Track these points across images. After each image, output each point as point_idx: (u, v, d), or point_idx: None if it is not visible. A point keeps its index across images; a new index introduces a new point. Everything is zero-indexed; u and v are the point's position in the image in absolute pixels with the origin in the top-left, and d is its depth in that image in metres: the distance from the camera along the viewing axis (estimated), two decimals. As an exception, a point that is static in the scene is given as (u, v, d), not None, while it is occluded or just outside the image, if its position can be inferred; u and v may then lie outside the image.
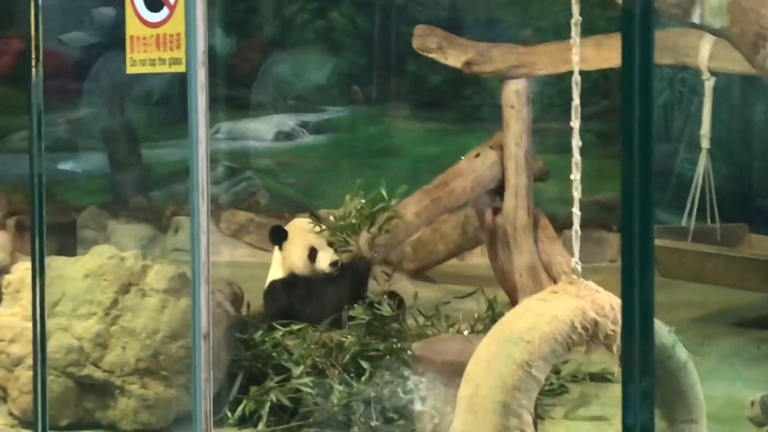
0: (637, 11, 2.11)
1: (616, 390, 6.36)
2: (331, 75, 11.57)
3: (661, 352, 3.70)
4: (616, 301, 3.64)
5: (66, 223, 10.43)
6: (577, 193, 3.75)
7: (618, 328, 3.55)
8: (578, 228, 3.75)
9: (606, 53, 7.43)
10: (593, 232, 10.02)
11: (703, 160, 7.30)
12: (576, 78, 3.68)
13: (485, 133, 10.12)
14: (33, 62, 4.15)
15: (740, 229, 7.87)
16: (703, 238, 7.42)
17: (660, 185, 10.05)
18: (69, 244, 9.87)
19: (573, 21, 3.57)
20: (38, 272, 4.15)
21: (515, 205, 7.96)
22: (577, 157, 3.73)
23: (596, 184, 10.90)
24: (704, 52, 7.15)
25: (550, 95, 10.46)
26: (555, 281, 8.02)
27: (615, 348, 3.56)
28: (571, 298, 3.61)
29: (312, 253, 6.54)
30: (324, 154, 11.55)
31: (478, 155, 8.07)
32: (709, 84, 7.22)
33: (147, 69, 3.94)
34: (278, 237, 6.71)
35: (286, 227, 6.76)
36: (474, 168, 8.00)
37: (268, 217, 10.59)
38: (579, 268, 3.71)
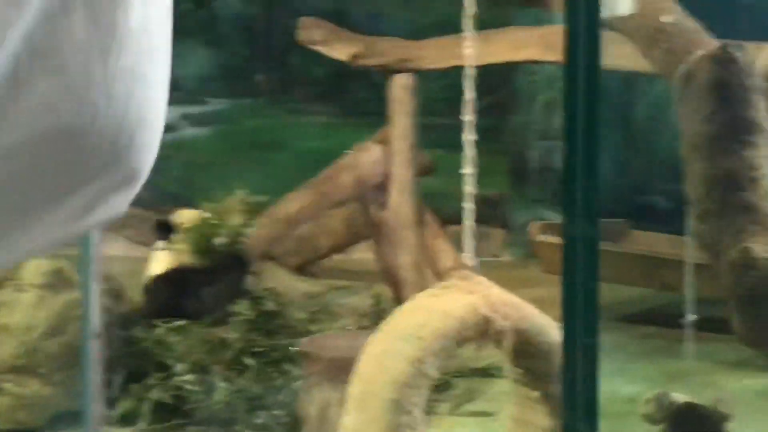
0: (582, 7, 2.04)
1: (500, 385, 6.36)
2: (213, 66, 11.41)
3: (548, 349, 3.69)
4: (508, 297, 3.62)
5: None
6: (469, 188, 3.71)
7: (509, 324, 3.53)
8: (472, 223, 3.71)
9: (493, 48, 7.44)
10: (477, 228, 10.03)
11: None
12: (469, 72, 3.65)
13: (370, 128, 10.08)
14: None
15: (622, 226, 7.95)
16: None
17: (542, 181, 10.12)
18: None
19: (467, 14, 3.53)
20: None
21: (400, 200, 7.92)
22: (469, 151, 3.69)
23: (480, 180, 10.97)
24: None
25: (435, 90, 10.46)
26: (440, 277, 8.01)
27: (506, 344, 3.53)
28: (462, 294, 3.58)
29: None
30: (206, 146, 11.38)
31: (363, 149, 8.02)
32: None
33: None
34: (164, 231, 6.56)
35: (175, 220, 6.61)
36: (360, 162, 7.94)
37: (147, 211, 10.39)
38: (471, 263, 3.68)
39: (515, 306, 3.57)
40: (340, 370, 4.96)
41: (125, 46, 0.84)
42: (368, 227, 8.27)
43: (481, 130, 10.97)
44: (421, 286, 7.89)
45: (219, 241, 6.37)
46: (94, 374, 2.55)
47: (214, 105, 11.45)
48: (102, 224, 0.94)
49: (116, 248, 10.27)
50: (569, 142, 2.07)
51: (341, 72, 10.86)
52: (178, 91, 11.53)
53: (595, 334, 2.12)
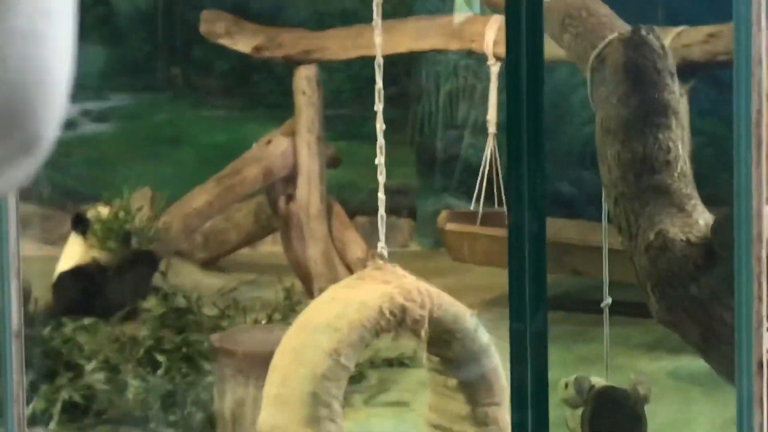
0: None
1: (414, 375, 6.39)
2: (114, 61, 11.26)
3: (463, 336, 3.69)
4: (423, 286, 3.61)
5: None
6: (381, 177, 3.71)
7: (425, 313, 3.53)
8: (384, 213, 3.71)
9: (397, 38, 7.45)
10: (386, 218, 10.04)
11: (489, 145, 7.38)
12: (378, 60, 3.65)
13: (274, 120, 10.04)
14: None
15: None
16: (492, 222, 7.51)
17: (448, 171, 10.16)
18: None
19: (375, 2, 3.52)
20: None
21: (308, 192, 7.91)
22: (381, 140, 3.69)
23: (387, 171, 10.98)
24: (489, 38, 7.23)
25: (339, 81, 10.44)
26: (349, 268, 8.01)
27: (423, 333, 3.53)
28: (378, 284, 3.57)
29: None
30: (108, 143, 11.23)
31: (269, 142, 7.98)
32: (494, 69, 7.30)
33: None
34: (82, 225, 6.47)
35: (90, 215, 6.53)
36: (266, 155, 7.91)
37: (52, 209, 10.24)
38: (386, 252, 3.67)
39: (430, 294, 3.56)
40: (255, 364, 4.93)
41: (16, 5, 0.78)
42: (276, 220, 8.24)
43: (387, 120, 10.98)
44: (332, 278, 7.88)
45: (126, 237, 6.30)
46: (16, 374, 2.49)
47: (116, 101, 11.30)
48: (3, 193, 0.89)
49: (21, 247, 10.11)
50: (514, 135, 2.06)
51: (244, 65, 10.79)
52: (78, 88, 11.38)
53: (545, 322, 2.15)
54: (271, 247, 9.83)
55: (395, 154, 10.72)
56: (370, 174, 11.16)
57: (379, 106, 3.66)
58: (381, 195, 3.72)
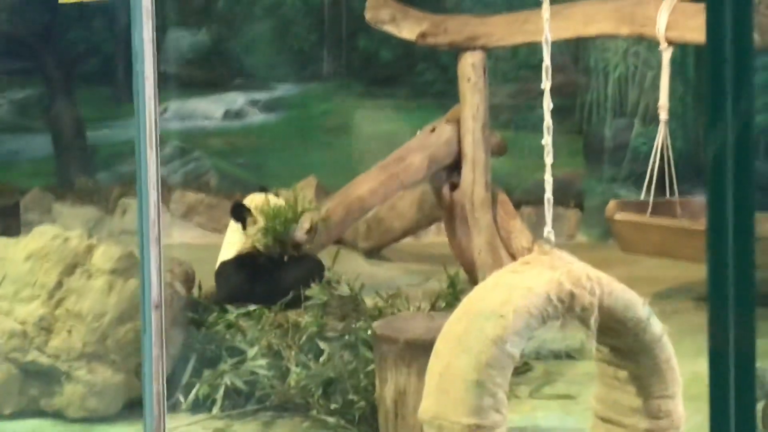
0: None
1: (581, 367, 6.20)
2: (280, 52, 11.31)
3: (635, 326, 3.52)
4: (593, 272, 3.45)
5: (9, 206, 10.12)
6: (549, 159, 3.56)
7: (595, 300, 3.37)
8: (550, 195, 3.55)
9: (564, 23, 7.25)
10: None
11: (661, 133, 7.12)
12: (546, 35, 3.50)
13: (438, 109, 9.93)
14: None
15: (700, 202, 7.71)
16: (663, 212, 7.25)
17: (616, 160, 9.90)
18: (12, 227, 9.58)
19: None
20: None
21: (473, 180, 7.76)
22: (548, 120, 3.54)
23: (554, 160, 10.76)
24: (662, 22, 6.97)
25: (504, 70, 10.27)
26: (515, 258, 7.84)
27: (592, 321, 3.37)
28: (545, 270, 3.42)
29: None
30: (274, 132, 11.29)
31: (434, 130, 7.86)
32: (666, 55, 7.03)
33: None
34: (241, 214, 6.44)
35: (248, 203, 6.51)
36: (430, 143, 7.79)
37: (218, 198, 10.34)
38: (552, 237, 3.52)
39: (600, 281, 3.40)
40: (417, 352, 4.83)
41: None
42: (440, 209, 8.12)
43: (554, 109, 10.74)
44: (496, 268, 7.71)
45: (293, 228, 6.25)
46: (156, 347, 2.42)
47: (282, 90, 11.35)
48: None
49: (189, 235, 10.24)
50: (718, 126, 1.85)
51: (408, 53, 10.72)
52: (247, 78, 11.46)
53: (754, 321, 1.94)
54: (434, 238, 9.74)
55: (562, 143, 10.50)
56: (535, 164, 11.03)
57: (546, 84, 3.50)
58: (548, 177, 3.57)
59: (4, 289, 5.54)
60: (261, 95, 11.38)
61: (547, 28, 3.50)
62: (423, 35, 7.75)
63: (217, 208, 10.24)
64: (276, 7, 11.28)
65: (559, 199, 11.17)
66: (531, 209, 9.68)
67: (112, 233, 10.32)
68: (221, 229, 10.31)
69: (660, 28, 6.97)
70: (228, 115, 11.38)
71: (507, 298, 3.34)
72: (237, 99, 11.40)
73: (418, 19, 7.85)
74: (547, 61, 3.49)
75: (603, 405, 3.74)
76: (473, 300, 3.44)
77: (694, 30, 6.91)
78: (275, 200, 6.41)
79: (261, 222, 6.29)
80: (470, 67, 7.70)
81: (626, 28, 7.19)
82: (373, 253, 9.02)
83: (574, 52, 9.72)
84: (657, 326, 3.55)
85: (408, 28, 7.84)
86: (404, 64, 10.86)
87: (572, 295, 3.35)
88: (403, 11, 7.91)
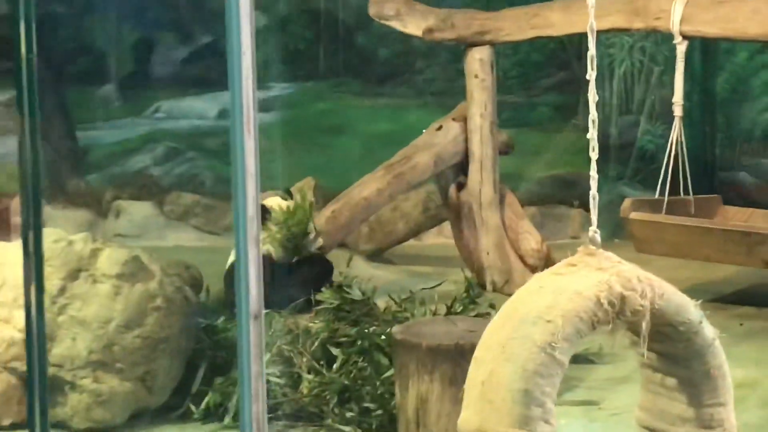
0: None
1: (601, 372, 6.01)
2: (275, 50, 11.10)
3: (687, 330, 3.32)
4: (643, 273, 3.26)
5: (-2, 210, 9.90)
6: (594, 154, 3.36)
7: (647, 303, 3.17)
8: (596, 193, 3.37)
9: (575, 17, 7.07)
10: (554, 208, 9.67)
11: (675, 129, 6.94)
12: (591, 24, 3.32)
13: (438, 108, 9.73)
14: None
15: (714, 201, 7.54)
16: (677, 211, 7.07)
17: (622, 158, 9.71)
18: (2, 231, 9.35)
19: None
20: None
21: (480, 179, 7.58)
22: (594, 113, 3.34)
23: (555, 159, 10.56)
24: (676, 14, 6.79)
25: (506, 67, 10.07)
26: (523, 260, 7.66)
27: (644, 325, 3.18)
28: (592, 271, 3.22)
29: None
30: (270, 132, 11.07)
31: (440, 128, 7.67)
32: (681, 48, 6.84)
33: None
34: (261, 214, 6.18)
35: (267, 204, 6.27)
36: (437, 141, 7.60)
37: (214, 200, 10.12)
38: (598, 237, 3.33)
39: (651, 282, 3.20)
40: (439, 358, 4.63)
41: None
42: (446, 209, 7.93)
43: (556, 107, 10.57)
44: (505, 270, 7.54)
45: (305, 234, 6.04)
46: (255, 364, 2.22)
47: (278, 90, 11.13)
48: None
49: (185, 238, 10.01)
50: None
51: (407, 51, 10.52)
52: (240, 77, 11.25)
53: None
54: (435, 239, 9.53)
55: (565, 142, 10.30)
56: (537, 162, 10.78)
57: (591, 75, 3.30)
58: (593, 173, 3.37)
59: (4, 295, 5.33)
60: (256, 94, 11.16)
61: (592, 15, 3.30)
62: (429, 30, 7.56)
63: (215, 209, 10.02)
64: (271, 3, 11.07)
65: (562, 199, 10.98)
66: (534, 209, 9.48)
67: (106, 236, 10.08)
68: (219, 232, 10.11)
69: (674, 22, 6.79)
70: (223, 114, 11.16)
71: (553, 302, 3.14)
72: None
73: (424, 14, 7.66)
74: (592, 51, 3.29)
75: (648, 414, 3.54)
76: (515, 305, 3.24)
77: (710, 23, 6.73)
78: (286, 202, 6.18)
79: (272, 225, 6.07)
80: (478, 63, 7.51)
81: (639, 21, 7.01)
82: (375, 256, 8.81)
83: (577, 48, 9.52)
84: (709, 330, 3.35)
85: (413, 24, 7.65)
86: (403, 62, 10.66)
87: (623, 299, 3.15)
88: (408, 5, 7.71)
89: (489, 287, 7.51)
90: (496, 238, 7.58)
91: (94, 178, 10.88)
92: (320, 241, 6.09)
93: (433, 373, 4.64)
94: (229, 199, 9.30)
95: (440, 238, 9.56)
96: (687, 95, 8.98)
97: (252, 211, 2.25)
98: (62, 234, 5.40)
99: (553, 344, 3.08)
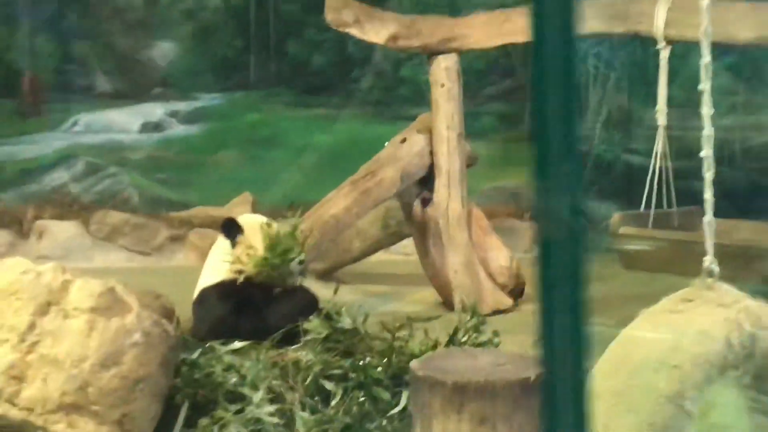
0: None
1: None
2: (202, 59, 10.58)
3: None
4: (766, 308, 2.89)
5: None
6: (709, 174, 2.97)
7: (780, 344, 2.80)
8: (712, 218, 2.98)
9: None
10: (503, 221, 9.31)
11: (660, 139, 6.62)
12: (706, 29, 2.94)
13: (376, 118, 9.34)
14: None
15: (695, 213, 7.22)
16: (663, 224, 6.76)
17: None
18: None
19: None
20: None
21: (448, 195, 7.18)
22: (708, 129, 2.95)
23: (500, 170, 10.21)
24: (660, 18, 6.48)
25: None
26: (493, 278, 7.28)
27: (775, 369, 2.80)
28: (714, 308, 2.84)
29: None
30: (198, 145, 10.54)
31: (404, 140, 7.25)
32: (665, 53, 6.53)
33: None
34: (232, 231, 5.59)
35: (241, 222, 5.68)
36: (402, 155, 7.18)
37: (145, 218, 9.54)
38: (716, 268, 2.94)
39: (779, 320, 2.84)
40: (468, 396, 4.22)
41: None
42: (409, 226, 7.50)
43: (501, 116, 10.15)
44: (474, 289, 7.14)
45: (294, 257, 5.53)
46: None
47: (205, 100, 10.60)
48: None
49: (113, 258, 9.41)
50: None
51: (343, 60, 10.10)
52: (165, 88, 10.69)
53: None
54: (382, 255, 9.11)
55: (511, 152, 9.89)
56: (482, 173, 10.27)
57: (706, 86, 2.92)
58: (707, 196, 2.98)
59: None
60: (181, 106, 10.62)
61: (707, 20, 2.93)
62: (394, 38, 7.14)
63: (146, 228, 9.44)
64: (197, 11, 10.54)
65: (510, 212, 10.55)
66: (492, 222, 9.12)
67: (29, 259, 9.44)
68: (150, 252, 9.53)
69: (658, 26, 6.48)
70: (146, 127, 10.59)
71: (677, 344, 2.75)
72: (155, 110, 10.62)
73: (385, 21, 7.24)
74: (707, 59, 2.91)
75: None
76: (628, 347, 2.84)
77: (696, 27, 6.43)
78: (271, 227, 5.63)
79: (259, 250, 5.54)
80: (444, 72, 7.12)
81: (620, 25, 6.69)
82: (326, 275, 8.33)
83: (523, 55, 9.19)
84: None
85: (374, 31, 7.22)
86: (338, 71, 10.22)
87: (754, 338, 2.78)
88: (368, 12, 7.28)
89: (457, 307, 7.10)
90: (464, 257, 7.18)
91: (10, 197, 10.23)
92: (306, 275, 5.60)
93: (461, 412, 4.21)
94: (159, 217, 8.69)
95: (387, 254, 9.15)
96: (642, 101, 8.70)
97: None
98: (29, 265, 4.85)
99: (682, 393, 2.69)
